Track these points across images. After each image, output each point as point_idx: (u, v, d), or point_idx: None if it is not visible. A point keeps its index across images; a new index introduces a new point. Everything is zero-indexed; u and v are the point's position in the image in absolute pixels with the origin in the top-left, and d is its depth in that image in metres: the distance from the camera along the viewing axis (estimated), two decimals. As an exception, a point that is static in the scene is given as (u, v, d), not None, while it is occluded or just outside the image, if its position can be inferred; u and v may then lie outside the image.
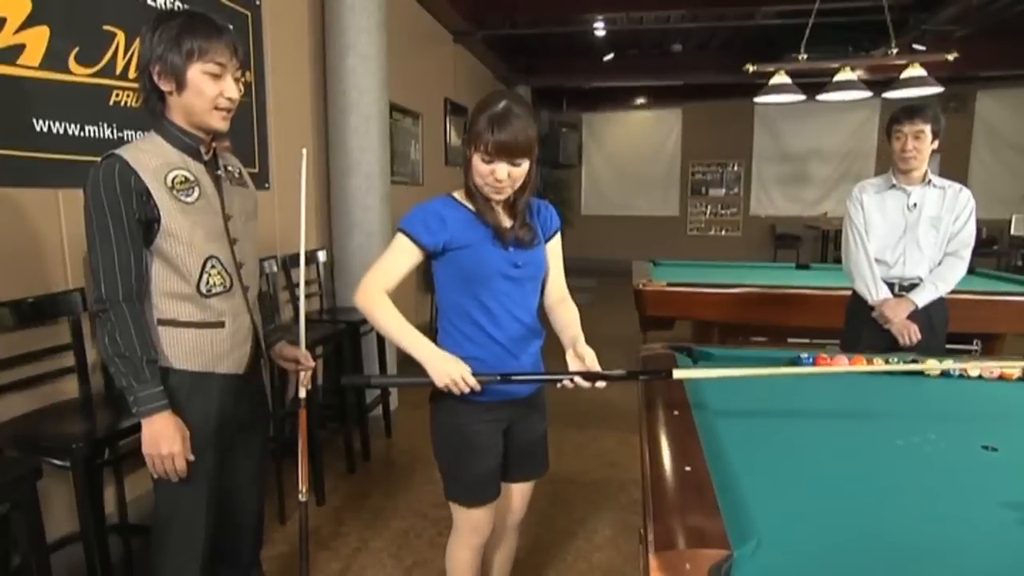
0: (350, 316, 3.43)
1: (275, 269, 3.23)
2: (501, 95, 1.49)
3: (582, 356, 1.50)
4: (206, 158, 1.53)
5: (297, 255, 3.33)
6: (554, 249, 1.69)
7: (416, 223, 1.53)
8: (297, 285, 3.42)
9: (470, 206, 1.56)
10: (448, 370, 1.44)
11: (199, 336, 1.51)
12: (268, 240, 3.32)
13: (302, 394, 1.87)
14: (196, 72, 1.42)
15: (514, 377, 1.52)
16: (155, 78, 1.43)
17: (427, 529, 2.67)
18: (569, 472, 3.22)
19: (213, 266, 1.51)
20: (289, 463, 2.72)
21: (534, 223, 1.61)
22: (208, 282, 1.50)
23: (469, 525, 1.67)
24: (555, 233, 1.69)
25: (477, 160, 1.47)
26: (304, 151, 1.86)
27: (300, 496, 1.90)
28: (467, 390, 1.45)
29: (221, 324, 1.54)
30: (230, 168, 1.63)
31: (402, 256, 1.54)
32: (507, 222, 1.56)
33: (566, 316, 1.67)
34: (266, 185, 3.32)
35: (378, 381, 1.68)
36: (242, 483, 1.71)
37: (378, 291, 1.52)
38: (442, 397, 1.55)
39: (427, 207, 1.56)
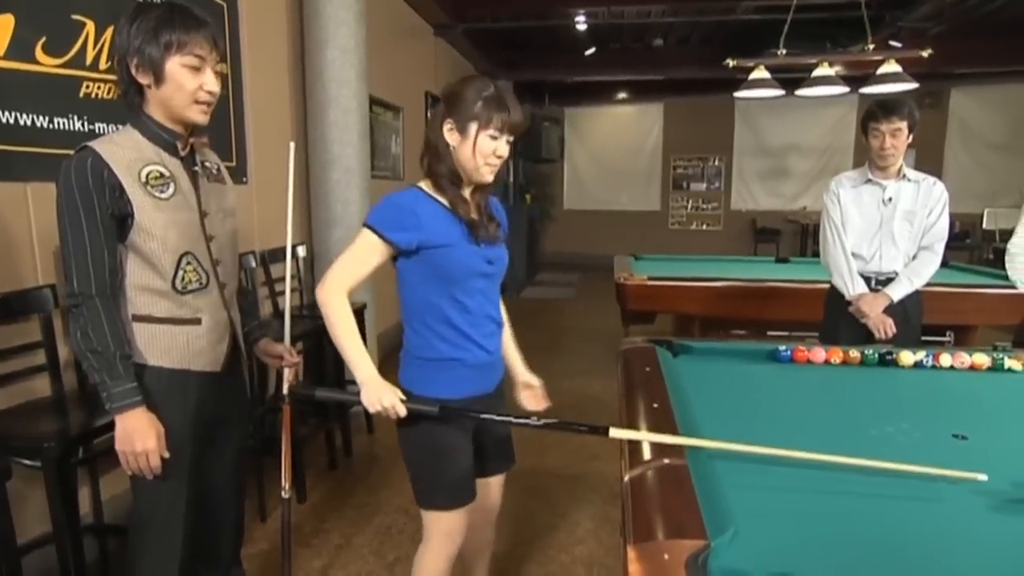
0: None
1: (254, 264, 3.20)
2: (479, 77, 1.51)
3: (533, 385, 1.71)
4: (183, 154, 1.51)
5: (275, 250, 3.35)
6: None
7: (388, 220, 1.47)
8: (278, 280, 3.42)
9: (441, 199, 1.52)
10: (381, 397, 1.44)
11: (175, 333, 1.50)
12: (246, 235, 3.28)
13: (286, 390, 1.85)
14: (174, 65, 1.39)
15: (451, 408, 1.49)
16: (133, 71, 1.40)
17: (409, 525, 2.66)
18: (551, 466, 3.23)
19: (188, 263, 1.49)
20: (270, 460, 2.70)
21: (493, 213, 1.61)
22: (183, 279, 1.48)
23: (445, 531, 1.61)
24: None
25: (484, 139, 1.45)
26: (292, 145, 1.85)
27: (283, 493, 1.88)
28: (393, 415, 1.45)
29: (197, 321, 1.53)
30: (208, 164, 1.61)
31: (369, 255, 1.48)
32: (475, 215, 1.54)
33: (505, 337, 1.72)
34: (244, 179, 3.28)
35: (323, 395, 1.65)
36: (221, 481, 1.69)
37: (340, 292, 1.47)
38: (415, 396, 1.51)
39: (398, 201, 1.50)
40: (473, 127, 1.45)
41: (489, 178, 1.52)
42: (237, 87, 3.20)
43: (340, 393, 1.64)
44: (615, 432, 1.33)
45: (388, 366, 1.72)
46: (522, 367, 1.76)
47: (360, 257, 1.49)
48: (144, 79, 1.41)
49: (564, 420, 1.52)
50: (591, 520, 2.72)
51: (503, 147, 1.48)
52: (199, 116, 1.46)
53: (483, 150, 1.46)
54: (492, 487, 1.77)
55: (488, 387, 1.62)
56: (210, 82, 1.44)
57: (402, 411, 1.45)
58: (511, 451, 1.78)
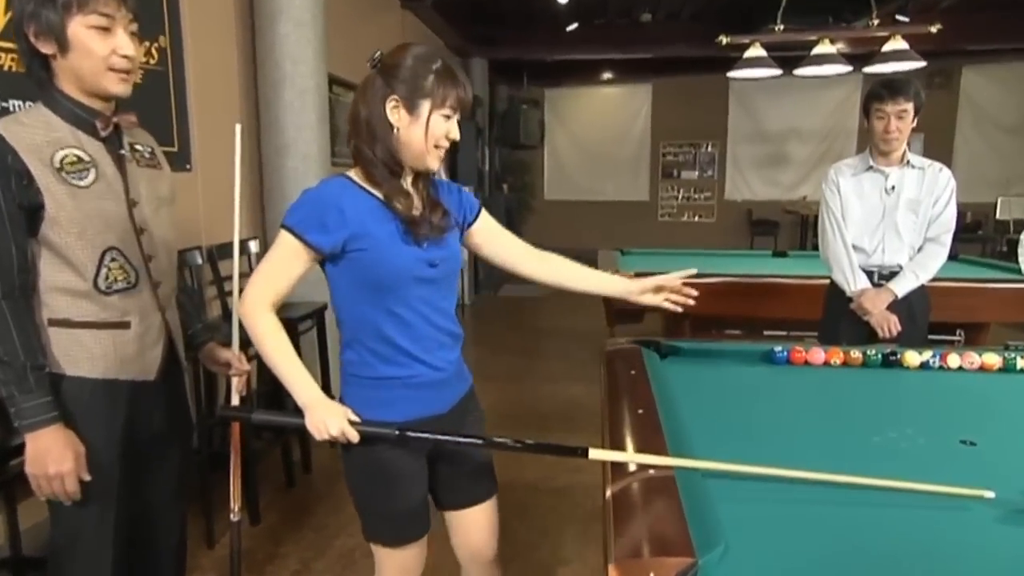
0: (286, 312, 3.37)
1: (200, 261, 3.15)
2: (419, 45, 1.45)
3: (649, 285, 1.63)
4: (104, 134, 1.45)
5: (224, 245, 3.31)
6: (489, 223, 1.66)
7: (307, 218, 1.38)
8: (227, 279, 3.37)
9: (375, 192, 1.44)
10: (327, 421, 1.36)
11: (99, 338, 1.45)
12: (192, 229, 3.24)
13: (235, 401, 1.82)
14: (78, 28, 1.33)
15: (411, 434, 1.41)
16: (32, 40, 1.35)
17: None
18: (532, 478, 3.24)
19: (113, 259, 1.44)
20: (219, 478, 2.67)
21: (441, 200, 1.52)
22: (108, 277, 1.44)
23: (397, 568, 1.55)
24: (480, 210, 1.64)
25: (437, 119, 1.39)
26: (238, 127, 1.81)
27: (232, 515, 1.86)
28: (344, 442, 1.38)
29: (126, 324, 1.48)
30: (139, 147, 1.56)
31: (290, 262, 1.40)
32: (417, 207, 1.46)
33: (569, 267, 1.68)
34: (188, 166, 3.23)
35: (260, 418, 1.58)
36: (158, 503, 1.66)
37: (263, 308, 1.40)
38: (362, 424, 1.46)
39: (321, 195, 1.41)
40: (425, 106, 1.39)
41: (436, 165, 1.45)
42: (177, 62, 3.14)
43: (282, 416, 1.58)
44: (595, 453, 1.30)
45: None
46: (619, 281, 1.70)
47: (279, 266, 1.41)
48: (46, 48, 1.35)
49: (539, 442, 1.47)
50: (576, 538, 2.73)
51: (455, 128, 1.43)
52: (117, 86, 1.40)
53: (435, 132, 1.40)
54: (471, 522, 1.64)
55: (440, 407, 1.52)
56: (124, 45, 1.38)
57: (354, 436, 1.37)
58: (484, 480, 1.66)
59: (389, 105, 1.40)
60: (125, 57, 1.39)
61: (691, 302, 1.65)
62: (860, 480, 1.19)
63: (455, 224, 1.55)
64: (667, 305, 1.69)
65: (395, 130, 1.41)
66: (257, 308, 1.40)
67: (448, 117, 1.42)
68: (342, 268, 1.43)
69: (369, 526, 1.55)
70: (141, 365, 1.53)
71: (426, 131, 1.40)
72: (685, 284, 1.68)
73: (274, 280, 1.41)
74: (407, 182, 1.47)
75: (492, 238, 1.67)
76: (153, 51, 2.96)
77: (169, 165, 1.71)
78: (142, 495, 1.60)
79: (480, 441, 1.50)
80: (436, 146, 1.42)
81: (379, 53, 1.46)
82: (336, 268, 1.44)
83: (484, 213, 1.65)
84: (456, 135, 1.44)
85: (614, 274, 1.71)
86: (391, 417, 1.45)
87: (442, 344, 1.52)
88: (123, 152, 1.50)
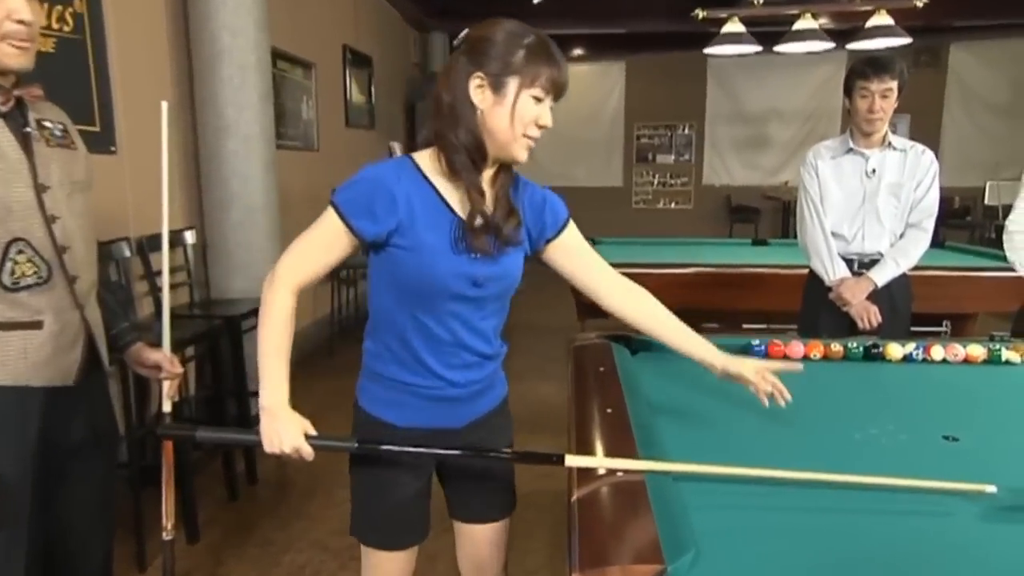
0: (228, 309, 3.33)
1: (128, 254, 3.08)
2: (511, 20, 1.37)
3: (754, 373, 1.50)
4: (3, 110, 1.40)
5: (156, 236, 3.23)
6: (574, 240, 1.57)
7: (356, 201, 1.34)
8: (158, 273, 3.31)
9: (435, 183, 1.38)
10: (281, 433, 1.32)
11: (6, 340, 1.40)
12: (118, 218, 3.16)
13: (167, 407, 1.79)
14: None
15: (384, 448, 1.41)
16: None
17: (328, 563, 2.63)
18: (496, 487, 3.23)
19: (20, 251, 1.39)
20: (151, 493, 2.62)
21: (521, 207, 1.46)
22: (13, 272, 1.39)
23: (380, 572, 1.56)
24: (566, 222, 1.56)
25: (526, 100, 1.31)
26: (164, 105, 1.78)
27: (164, 534, 1.83)
28: (297, 458, 1.35)
29: (37, 324, 1.43)
30: (47, 124, 1.50)
31: (330, 242, 1.37)
32: (487, 210, 1.38)
33: (659, 313, 1.61)
34: (112, 148, 3.15)
35: (204, 435, 1.50)
36: (79, 522, 1.62)
37: (285, 286, 1.37)
38: (365, 413, 1.49)
39: (376, 175, 1.36)
40: (513, 84, 1.31)
41: (524, 156, 1.37)
42: (97, 30, 3.05)
43: (230, 433, 1.54)
44: (572, 460, 1.28)
45: (302, 375, 1.67)
46: (707, 349, 1.57)
47: (318, 244, 1.38)
48: None
49: (511, 449, 1.47)
50: (544, 548, 2.74)
51: (547, 114, 1.34)
52: (13, 59, 1.35)
53: (523, 116, 1.32)
54: (478, 539, 1.64)
55: (453, 422, 1.50)
56: (19, 8, 1.32)
57: (308, 454, 1.33)
58: (502, 494, 1.64)
59: (473, 84, 1.33)
60: (21, 23, 1.33)
61: (781, 402, 1.50)
62: (854, 479, 1.20)
63: (527, 237, 1.49)
64: (755, 392, 1.54)
65: (479, 112, 1.34)
66: (281, 285, 1.37)
67: (539, 100, 1.33)
68: (380, 258, 1.40)
69: (355, 522, 1.56)
70: (57, 369, 1.49)
71: (512, 113, 1.32)
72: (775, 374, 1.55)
73: (309, 259, 1.39)
74: (487, 176, 1.40)
75: (575, 258, 1.58)
76: (67, 16, 2.86)
77: (91, 147, 1.66)
78: (60, 515, 1.56)
79: (448, 452, 1.46)
80: (525, 134, 1.35)
81: (469, 29, 1.39)
82: (377, 259, 1.41)
83: (571, 226, 1.56)
84: (548, 121, 1.35)
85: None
86: (399, 420, 1.47)
87: (468, 364, 1.47)
88: (29, 130, 1.45)
